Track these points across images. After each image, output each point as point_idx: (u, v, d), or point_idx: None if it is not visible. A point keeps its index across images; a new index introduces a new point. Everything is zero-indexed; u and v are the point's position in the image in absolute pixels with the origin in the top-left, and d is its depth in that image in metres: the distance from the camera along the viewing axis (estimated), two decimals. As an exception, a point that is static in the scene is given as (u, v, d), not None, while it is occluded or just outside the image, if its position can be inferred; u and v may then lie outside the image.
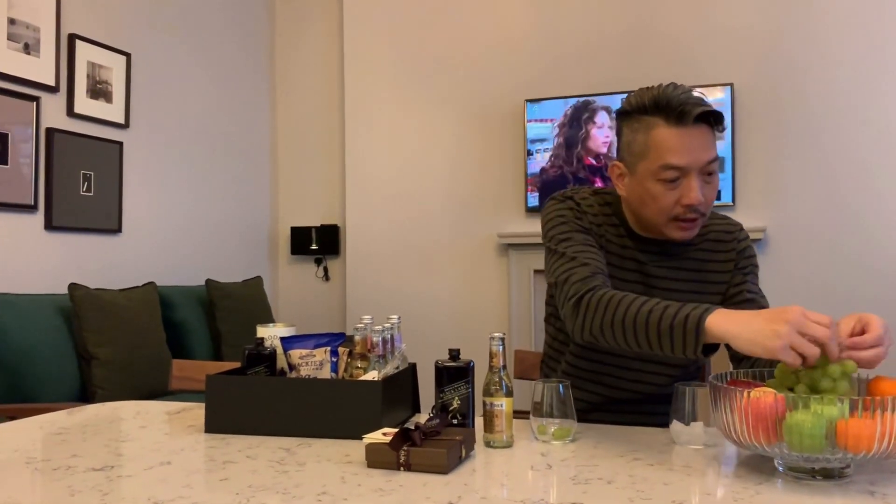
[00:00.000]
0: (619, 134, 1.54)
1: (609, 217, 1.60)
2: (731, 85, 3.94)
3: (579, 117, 4.15)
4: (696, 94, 1.48)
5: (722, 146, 3.92)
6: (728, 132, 3.93)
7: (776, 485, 1.06)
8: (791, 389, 1.12)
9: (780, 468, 1.11)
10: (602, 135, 4.13)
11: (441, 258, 4.52)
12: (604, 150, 4.12)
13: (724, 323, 1.19)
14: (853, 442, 1.00)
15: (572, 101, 4.18)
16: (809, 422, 1.01)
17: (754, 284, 1.61)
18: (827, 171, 3.86)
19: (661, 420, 1.54)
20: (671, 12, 4.12)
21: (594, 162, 4.11)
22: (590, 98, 4.14)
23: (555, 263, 1.50)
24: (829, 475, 1.07)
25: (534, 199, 4.26)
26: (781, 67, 3.93)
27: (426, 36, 4.61)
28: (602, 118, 4.12)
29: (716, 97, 3.95)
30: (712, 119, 1.45)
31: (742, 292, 1.58)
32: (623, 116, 1.52)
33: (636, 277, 1.56)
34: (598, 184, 4.07)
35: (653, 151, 1.45)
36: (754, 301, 1.56)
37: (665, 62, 4.08)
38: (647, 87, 1.48)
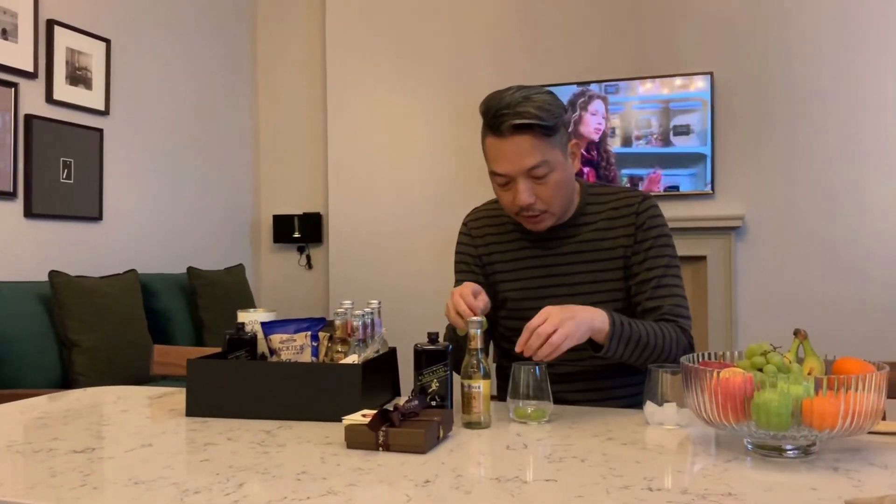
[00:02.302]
0: None
1: (503, 226, 1.68)
2: (712, 74, 3.97)
3: (574, 102, 4.14)
4: (537, 96, 1.46)
5: (702, 135, 3.96)
6: (708, 121, 3.96)
7: (745, 462, 1.09)
8: (760, 370, 1.15)
9: (749, 446, 1.14)
10: (595, 122, 4.12)
11: (423, 246, 4.54)
12: (595, 137, 4.11)
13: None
14: (818, 420, 1.03)
15: (553, 89, 4.17)
16: (776, 401, 1.04)
17: (657, 259, 1.56)
18: (807, 160, 3.90)
19: (613, 394, 1.59)
20: (652, 1, 4.13)
21: (584, 153, 4.08)
22: (571, 86, 4.14)
23: None
24: (796, 452, 1.10)
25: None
26: (762, 56, 3.96)
27: (409, 23, 4.60)
28: (597, 106, 4.11)
29: (697, 86, 3.98)
30: (537, 127, 1.45)
31: (641, 272, 1.56)
32: None
33: (536, 273, 1.60)
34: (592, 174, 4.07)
35: (486, 156, 1.55)
36: (653, 280, 1.55)
37: (645, 51, 4.10)
38: (496, 91, 1.51)
